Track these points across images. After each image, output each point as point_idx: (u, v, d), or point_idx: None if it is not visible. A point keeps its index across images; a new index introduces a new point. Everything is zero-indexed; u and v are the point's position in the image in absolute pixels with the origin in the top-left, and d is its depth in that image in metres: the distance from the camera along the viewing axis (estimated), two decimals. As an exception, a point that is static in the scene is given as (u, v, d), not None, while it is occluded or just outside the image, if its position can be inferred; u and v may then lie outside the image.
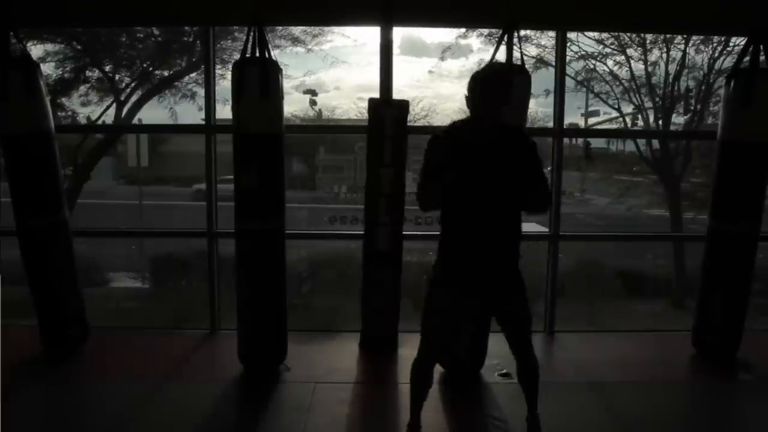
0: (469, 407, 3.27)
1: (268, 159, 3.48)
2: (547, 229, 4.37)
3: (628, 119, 7.65)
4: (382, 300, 3.91)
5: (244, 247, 3.56)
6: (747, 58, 3.64)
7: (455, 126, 2.51)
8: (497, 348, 3.75)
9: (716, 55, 6.90)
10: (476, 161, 2.35)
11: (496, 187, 2.37)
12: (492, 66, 2.49)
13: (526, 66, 3.58)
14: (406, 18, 3.96)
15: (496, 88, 2.38)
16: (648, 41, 6.97)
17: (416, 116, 7.11)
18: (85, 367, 3.74)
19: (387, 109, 3.83)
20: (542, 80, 5.70)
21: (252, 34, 3.41)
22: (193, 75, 6.54)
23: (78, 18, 4.36)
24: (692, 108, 7.36)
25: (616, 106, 7.49)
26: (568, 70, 5.43)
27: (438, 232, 2.55)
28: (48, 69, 6.16)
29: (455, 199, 2.39)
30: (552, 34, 5.01)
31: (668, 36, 6.75)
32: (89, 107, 6.66)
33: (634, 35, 6.75)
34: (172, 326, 5.31)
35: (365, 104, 3.89)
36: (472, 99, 2.41)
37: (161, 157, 12.31)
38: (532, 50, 6.33)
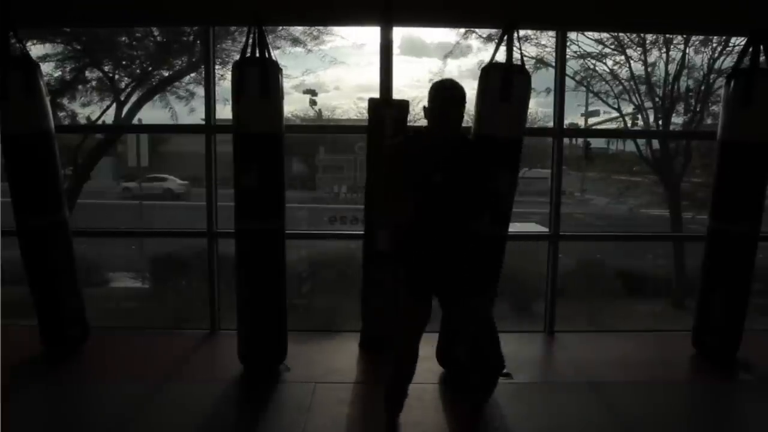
0: (468, 407, 3.26)
1: (268, 159, 3.48)
2: (547, 229, 4.37)
3: (628, 119, 7.66)
4: (382, 300, 3.91)
5: (244, 247, 3.56)
6: (747, 58, 3.64)
7: (415, 136, 2.61)
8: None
9: (716, 55, 6.92)
10: (448, 170, 2.44)
11: (461, 195, 2.48)
12: (447, 80, 2.56)
13: (526, 66, 3.58)
14: (406, 18, 3.96)
15: (460, 101, 2.45)
16: (648, 41, 6.98)
17: (416, 116, 7.12)
18: (85, 367, 3.74)
19: (387, 109, 3.83)
20: (542, 80, 5.71)
21: (252, 34, 3.41)
22: (193, 75, 6.55)
23: (78, 18, 4.36)
24: (692, 108, 7.37)
25: (616, 106, 7.50)
26: (568, 70, 5.43)
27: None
28: (48, 69, 6.17)
29: (423, 206, 2.47)
30: (552, 34, 5.01)
31: (668, 36, 6.75)
32: (89, 107, 6.68)
33: (633, 35, 6.76)
34: (172, 326, 5.31)
35: (365, 104, 3.89)
36: (431, 110, 2.48)
37: (161, 157, 12.33)
38: (532, 50, 6.34)
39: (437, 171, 2.43)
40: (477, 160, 2.57)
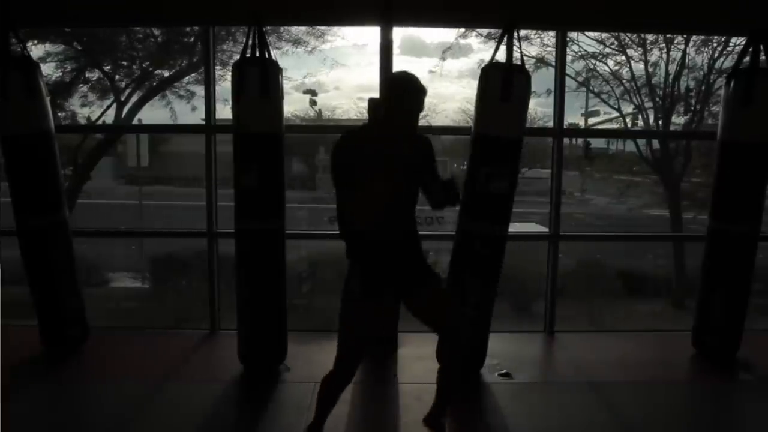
0: (469, 407, 3.26)
1: (268, 159, 3.48)
2: (547, 229, 4.37)
3: (628, 119, 7.67)
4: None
5: (244, 247, 3.56)
6: (747, 58, 3.64)
7: (361, 131, 2.51)
8: (497, 348, 3.76)
9: (716, 55, 6.92)
10: (386, 166, 2.34)
11: (400, 191, 2.40)
12: (410, 73, 2.48)
13: (526, 66, 3.58)
14: (406, 18, 3.96)
15: (420, 98, 2.39)
16: (648, 41, 6.98)
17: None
18: (85, 367, 3.74)
19: (387, 109, 3.82)
20: (542, 80, 5.71)
21: (252, 34, 3.41)
22: (193, 75, 6.55)
23: (78, 18, 4.36)
24: (692, 108, 7.37)
25: (616, 106, 7.51)
26: (569, 70, 5.44)
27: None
28: (48, 69, 6.17)
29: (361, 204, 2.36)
30: (552, 33, 5.01)
31: (668, 36, 6.76)
32: (89, 107, 6.68)
33: (634, 35, 6.76)
34: (172, 326, 5.31)
35: (365, 104, 3.89)
36: (395, 102, 2.39)
37: (161, 157, 12.33)
38: (532, 50, 6.34)
39: (394, 161, 2.34)
40: (430, 155, 2.51)
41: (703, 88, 7.22)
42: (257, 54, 3.43)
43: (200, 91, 6.15)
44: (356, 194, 2.34)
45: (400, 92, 2.39)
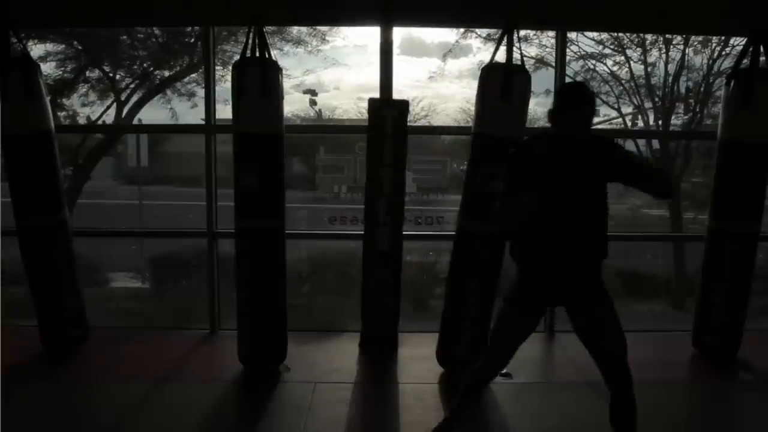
0: (469, 407, 3.26)
1: (268, 159, 3.48)
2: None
3: (628, 120, 7.66)
4: (382, 300, 3.91)
5: (244, 247, 3.56)
6: (747, 58, 3.64)
7: (532, 139, 2.49)
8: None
9: (715, 56, 6.92)
10: (554, 173, 2.32)
11: (574, 198, 2.34)
12: (575, 85, 2.55)
13: (526, 66, 3.58)
14: (406, 18, 3.96)
15: (586, 109, 2.37)
16: (647, 42, 6.98)
17: (416, 116, 7.13)
18: (85, 367, 3.74)
19: (387, 109, 3.83)
20: (542, 80, 5.70)
21: (252, 34, 3.41)
22: (193, 75, 6.55)
23: (78, 18, 4.36)
24: (692, 108, 7.37)
25: (616, 107, 7.50)
26: (568, 71, 5.43)
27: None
28: (48, 69, 6.17)
29: (533, 213, 2.36)
30: (552, 34, 5.01)
31: (667, 37, 6.75)
32: (89, 107, 6.68)
33: (633, 36, 6.76)
34: (172, 326, 5.31)
35: (365, 104, 3.89)
36: (559, 112, 2.37)
37: (160, 157, 12.31)
38: (532, 50, 6.34)
39: (579, 169, 2.31)
40: (614, 156, 2.35)
41: (702, 88, 7.22)
42: (257, 54, 3.43)
43: (200, 91, 6.14)
44: (523, 200, 2.35)
45: (565, 104, 2.36)
